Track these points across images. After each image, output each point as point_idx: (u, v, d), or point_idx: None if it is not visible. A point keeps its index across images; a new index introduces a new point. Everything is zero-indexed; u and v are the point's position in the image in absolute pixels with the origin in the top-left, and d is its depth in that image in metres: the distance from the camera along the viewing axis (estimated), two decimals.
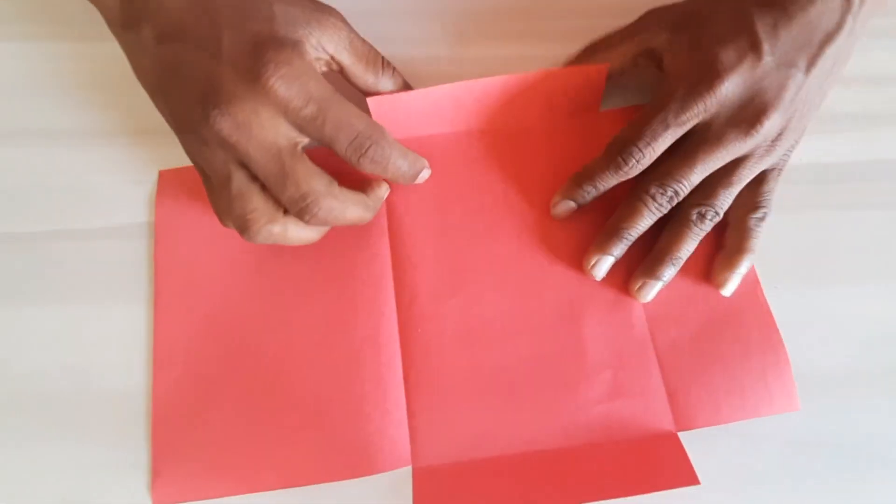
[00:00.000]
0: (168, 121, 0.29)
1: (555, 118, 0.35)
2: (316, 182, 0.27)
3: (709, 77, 0.28)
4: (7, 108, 0.36)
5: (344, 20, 0.30)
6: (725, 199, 0.31)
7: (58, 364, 0.31)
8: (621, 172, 0.30)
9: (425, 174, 0.32)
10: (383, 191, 0.33)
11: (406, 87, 0.33)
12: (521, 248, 0.33)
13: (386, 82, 0.31)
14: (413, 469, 0.29)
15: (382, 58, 0.31)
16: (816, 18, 0.29)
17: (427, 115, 0.34)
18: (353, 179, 0.32)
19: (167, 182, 0.35)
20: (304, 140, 0.27)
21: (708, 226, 0.31)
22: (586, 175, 0.32)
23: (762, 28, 0.28)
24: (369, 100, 0.32)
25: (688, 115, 0.29)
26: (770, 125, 0.29)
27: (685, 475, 0.28)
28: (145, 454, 0.30)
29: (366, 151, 0.28)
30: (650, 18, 0.33)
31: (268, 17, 0.27)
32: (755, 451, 0.30)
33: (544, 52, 0.37)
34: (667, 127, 0.29)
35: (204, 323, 0.32)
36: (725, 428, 0.30)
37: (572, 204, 0.32)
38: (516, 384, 0.31)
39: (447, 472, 0.29)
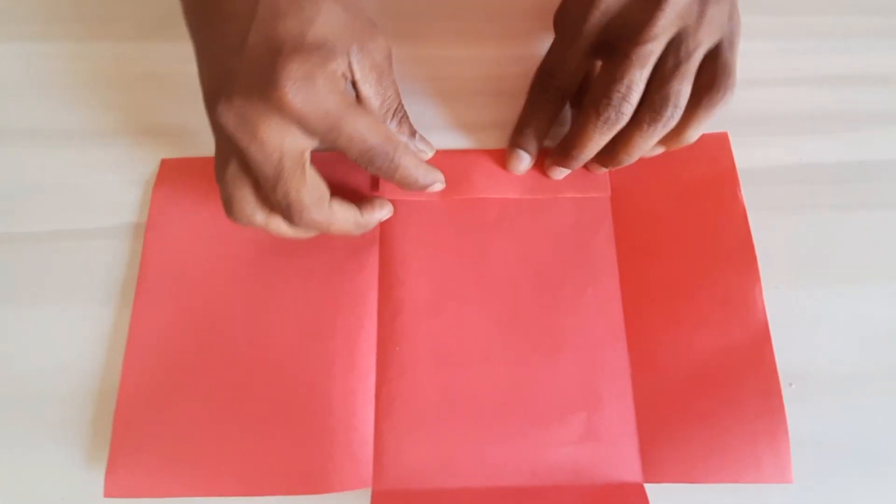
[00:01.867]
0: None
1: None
2: (306, 195, 0.27)
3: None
4: (7, 108, 0.36)
5: (387, 49, 0.29)
6: (681, 86, 0.29)
7: (58, 364, 0.31)
8: (548, 105, 0.33)
9: (437, 186, 0.32)
10: (384, 213, 0.32)
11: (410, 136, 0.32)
12: (509, 275, 0.32)
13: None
14: (372, 492, 0.29)
15: (400, 106, 0.30)
16: None
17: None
18: (362, 181, 0.33)
19: (168, 171, 0.35)
20: (314, 145, 0.27)
21: (668, 124, 0.29)
22: (522, 123, 0.34)
23: None
24: None
25: (587, 25, 0.30)
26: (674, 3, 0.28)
27: None
28: None
29: (374, 163, 0.28)
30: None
31: (309, 18, 0.26)
32: None
33: (544, 52, 0.37)
34: (571, 43, 0.31)
35: (181, 317, 0.31)
36: None
37: (526, 154, 0.34)
38: (488, 413, 0.30)
39: (407, 499, 0.28)
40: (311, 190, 0.27)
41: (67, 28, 0.38)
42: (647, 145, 0.30)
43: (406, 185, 0.30)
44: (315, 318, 0.31)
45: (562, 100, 0.33)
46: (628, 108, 0.29)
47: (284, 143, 0.26)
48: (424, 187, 0.31)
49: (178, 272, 0.32)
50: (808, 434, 0.30)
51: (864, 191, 0.35)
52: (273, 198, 0.27)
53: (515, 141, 0.34)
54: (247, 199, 0.28)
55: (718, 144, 0.34)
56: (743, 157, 0.34)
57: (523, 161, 0.34)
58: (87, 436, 0.30)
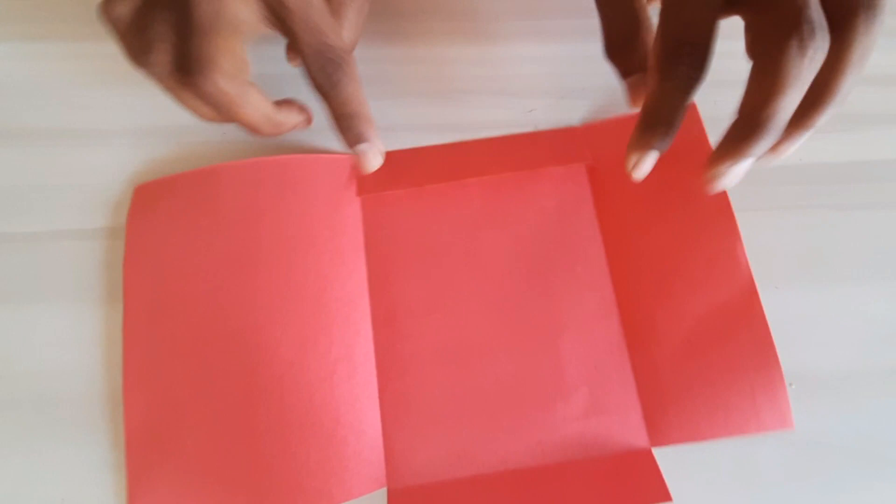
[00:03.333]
0: None
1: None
2: (223, 58, 0.25)
3: None
4: (7, 108, 0.36)
5: None
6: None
7: (58, 364, 0.31)
8: (683, 84, 0.24)
9: (368, 154, 0.29)
10: (300, 119, 0.31)
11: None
12: (498, 263, 0.33)
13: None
14: (388, 490, 0.29)
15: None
16: None
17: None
18: (342, 183, 0.32)
19: (142, 197, 0.34)
20: (259, 27, 0.26)
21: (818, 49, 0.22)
22: (651, 111, 0.25)
23: None
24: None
25: None
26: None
27: (657, 491, 0.28)
28: None
29: (328, 71, 0.26)
30: None
31: None
32: (755, 451, 0.30)
33: (541, 51, 0.37)
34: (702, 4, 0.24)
35: (173, 346, 0.31)
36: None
37: (656, 150, 0.26)
38: (493, 403, 0.30)
39: (423, 493, 0.29)
40: (230, 58, 0.26)
41: (67, 28, 0.38)
42: (812, 74, 0.23)
43: (342, 113, 0.27)
44: (310, 331, 0.31)
45: (702, 76, 0.24)
46: (822, 19, 0.22)
47: (230, 8, 0.25)
48: (357, 137, 0.28)
49: (161, 304, 0.31)
50: (808, 434, 0.30)
51: (864, 191, 0.35)
52: (189, 51, 0.25)
53: (641, 138, 0.26)
54: (164, 49, 0.26)
55: (689, 115, 0.34)
56: None
57: (652, 162, 0.26)
58: (88, 436, 0.30)
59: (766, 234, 0.33)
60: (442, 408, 0.30)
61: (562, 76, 0.37)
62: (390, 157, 0.33)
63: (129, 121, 0.36)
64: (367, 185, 0.34)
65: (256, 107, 0.28)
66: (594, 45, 0.37)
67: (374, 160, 0.29)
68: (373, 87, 0.36)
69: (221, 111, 0.27)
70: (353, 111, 0.27)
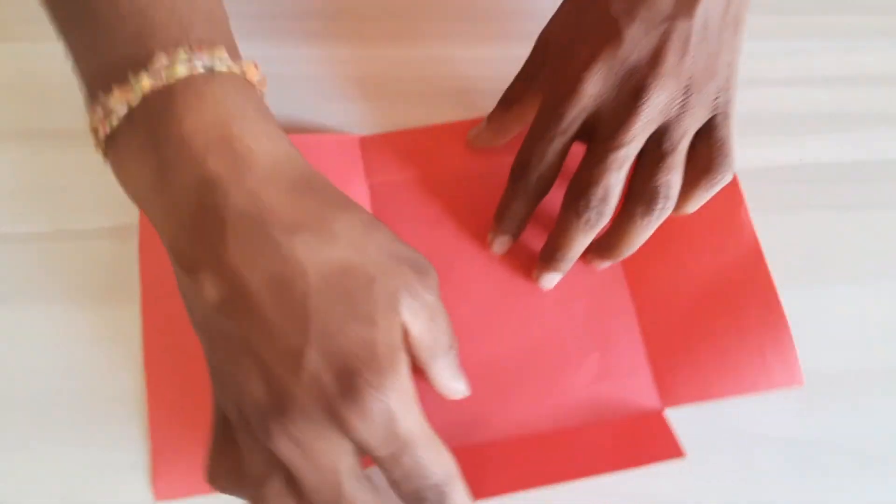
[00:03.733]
0: (215, 380, 0.24)
1: None
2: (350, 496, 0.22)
3: (569, 85, 0.27)
4: (7, 108, 0.36)
5: (436, 286, 0.25)
6: (669, 177, 0.27)
7: (58, 364, 0.31)
8: (528, 195, 0.30)
9: None
10: None
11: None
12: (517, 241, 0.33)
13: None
14: None
15: (454, 342, 0.26)
16: None
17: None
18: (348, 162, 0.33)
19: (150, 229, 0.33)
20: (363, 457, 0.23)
21: (662, 214, 0.28)
22: (502, 209, 0.31)
23: (617, 10, 0.26)
24: (361, 140, 0.34)
25: (564, 123, 0.27)
26: (658, 92, 0.26)
27: (669, 449, 0.28)
28: (145, 454, 0.30)
29: (424, 498, 0.22)
30: (538, 50, 0.31)
31: (369, 317, 0.21)
32: (755, 451, 0.30)
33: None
34: (551, 139, 0.28)
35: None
36: (724, 428, 0.30)
37: (507, 237, 0.32)
38: (505, 373, 0.31)
39: None
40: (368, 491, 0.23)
41: None
42: (646, 234, 0.29)
43: None
44: None
45: (543, 189, 0.30)
46: (608, 209, 0.28)
47: (340, 462, 0.22)
48: None
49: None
50: (808, 434, 0.30)
51: (864, 191, 0.35)
52: None
53: (495, 227, 0.32)
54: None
55: None
56: (743, 157, 0.35)
57: (503, 246, 0.32)
58: (88, 436, 0.30)
59: (766, 234, 0.33)
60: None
61: None
62: (397, 137, 0.34)
63: None
64: (374, 166, 0.34)
65: None
66: None
67: None
68: (373, 88, 0.36)
69: None
70: None
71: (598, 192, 0.27)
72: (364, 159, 0.34)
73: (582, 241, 0.29)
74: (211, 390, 0.24)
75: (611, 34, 0.26)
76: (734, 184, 0.33)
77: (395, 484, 0.22)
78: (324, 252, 0.21)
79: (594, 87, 0.27)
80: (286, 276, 0.21)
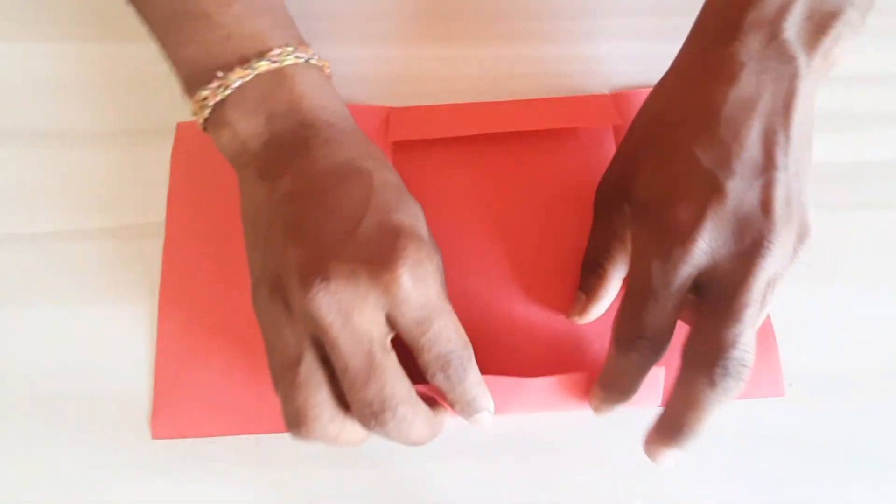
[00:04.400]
0: (254, 268, 0.27)
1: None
2: (400, 386, 0.24)
3: (680, 241, 0.25)
4: (7, 108, 0.36)
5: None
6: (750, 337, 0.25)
7: (58, 364, 0.31)
8: (644, 365, 0.26)
9: (486, 417, 0.27)
10: (446, 418, 0.28)
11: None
12: (522, 219, 0.33)
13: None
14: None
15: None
16: (759, 116, 0.26)
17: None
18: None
19: (185, 133, 0.35)
20: (393, 334, 0.25)
21: (738, 383, 0.24)
22: (612, 380, 0.28)
23: (710, 162, 0.26)
24: (390, 110, 0.35)
25: (677, 282, 0.25)
26: (776, 242, 0.24)
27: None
28: (145, 454, 0.30)
29: (448, 368, 0.25)
30: (602, 205, 0.31)
31: (415, 214, 0.27)
32: (755, 451, 0.30)
33: (539, 51, 0.37)
34: (665, 301, 0.25)
35: (212, 267, 0.33)
36: (723, 428, 0.30)
37: (614, 405, 0.28)
38: (508, 352, 0.31)
39: None
40: (403, 380, 0.25)
41: (67, 28, 0.38)
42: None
43: (465, 401, 0.26)
44: None
45: (658, 357, 0.26)
46: (746, 373, 0.24)
47: (373, 329, 0.24)
48: (474, 412, 0.27)
49: (203, 228, 0.33)
50: (808, 434, 0.30)
51: (864, 191, 0.35)
52: (363, 395, 0.24)
53: (603, 396, 0.28)
54: (324, 405, 0.24)
55: None
56: None
57: (611, 413, 0.28)
58: (88, 436, 0.30)
59: None
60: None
61: (562, 76, 0.37)
62: (423, 110, 0.35)
63: (129, 121, 0.36)
64: (398, 132, 0.35)
65: (425, 420, 0.26)
66: (595, 46, 0.37)
67: (487, 422, 0.27)
68: (373, 88, 0.37)
69: (391, 438, 0.25)
70: (473, 397, 0.26)
71: (737, 354, 0.24)
72: (388, 125, 0.35)
73: (716, 412, 0.25)
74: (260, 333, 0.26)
75: (714, 187, 0.25)
76: None
77: (420, 350, 0.25)
78: (385, 172, 0.27)
79: (707, 243, 0.25)
80: (353, 172, 0.26)
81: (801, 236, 0.26)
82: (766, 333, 0.32)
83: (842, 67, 0.37)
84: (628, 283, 0.28)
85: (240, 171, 0.29)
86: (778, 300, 0.32)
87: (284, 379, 0.25)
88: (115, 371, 0.31)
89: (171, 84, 0.37)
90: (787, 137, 0.26)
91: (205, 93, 0.28)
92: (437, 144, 0.35)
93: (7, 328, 0.32)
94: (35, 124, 0.36)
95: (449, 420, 0.28)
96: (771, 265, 0.25)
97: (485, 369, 0.28)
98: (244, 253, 0.31)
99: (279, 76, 0.28)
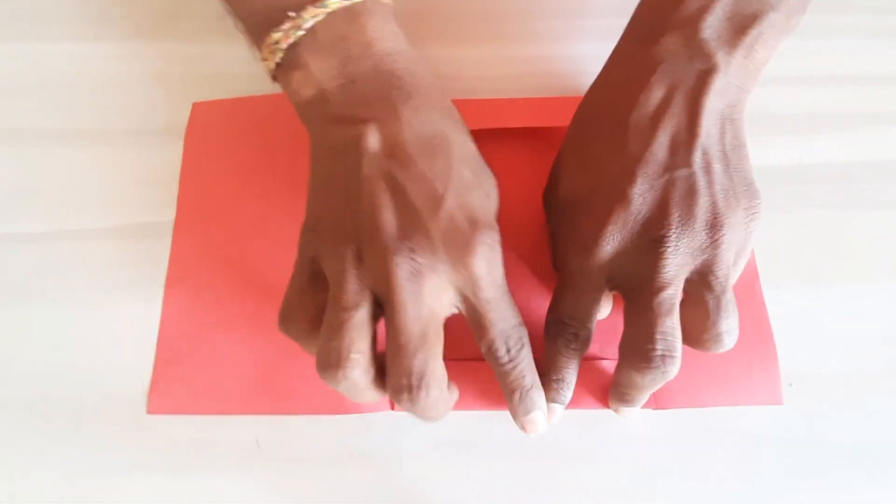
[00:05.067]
0: (316, 206, 0.28)
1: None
2: (441, 367, 0.26)
3: (585, 246, 0.28)
4: (7, 108, 0.36)
5: None
6: (729, 320, 0.27)
7: (58, 364, 0.31)
8: (570, 348, 0.29)
9: (540, 426, 0.28)
10: (456, 396, 0.29)
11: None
12: (517, 215, 0.33)
13: None
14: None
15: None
16: (666, 117, 0.27)
17: None
18: None
19: (199, 115, 0.36)
20: (456, 310, 0.27)
21: (663, 372, 0.26)
22: (548, 370, 0.29)
23: (616, 170, 0.27)
24: None
25: (590, 280, 0.28)
26: (674, 242, 0.26)
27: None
28: (145, 454, 0.30)
29: (509, 348, 0.27)
30: (544, 204, 0.33)
31: (487, 194, 0.28)
32: (754, 451, 0.30)
33: (538, 51, 0.37)
34: (581, 295, 0.28)
35: (220, 252, 0.33)
36: (724, 428, 0.30)
37: (560, 406, 0.29)
38: None
39: None
40: (441, 362, 0.26)
41: (67, 28, 0.38)
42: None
43: (516, 384, 0.27)
44: None
45: (585, 346, 0.29)
46: (676, 362, 0.26)
47: (436, 304, 0.26)
48: (531, 401, 0.28)
49: (214, 209, 0.34)
50: (808, 434, 0.30)
51: (864, 191, 0.35)
52: (404, 363, 0.25)
53: (547, 394, 0.29)
54: (365, 354, 0.25)
55: None
56: None
57: (554, 415, 0.29)
58: (88, 436, 0.30)
59: (766, 234, 0.33)
60: (455, 348, 0.30)
61: (562, 76, 0.37)
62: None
63: (129, 121, 0.36)
64: None
65: (447, 404, 0.27)
66: (595, 46, 0.37)
67: (541, 426, 0.28)
68: None
69: (416, 415, 0.26)
70: (528, 383, 0.28)
71: (659, 346, 0.26)
72: None
73: (653, 388, 0.28)
74: (299, 249, 0.28)
75: (618, 196, 0.27)
76: None
77: (487, 326, 0.26)
78: (463, 139, 0.28)
79: (612, 246, 0.27)
80: (438, 144, 0.27)
81: (749, 210, 0.27)
82: (765, 341, 0.32)
83: (842, 67, 0.38)
84: (557, 276, 0.30)
85: (312, 112, 0.28)
86: (779, 300, 0.32)
87: (335, 318, 0.25)
88: (115, 371, 0.31)
89: (171, 84, 0.37)
90: (694, 135, 0.27)
91: (277, 35, 0.27)
92: None
93: (7, 328, 0.32)
94: (35, 124, 0.36)
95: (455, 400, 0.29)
96: (675, 257, 0.26)
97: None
98: (254, 235, 0.32)
99: (350, 14, 0.28)
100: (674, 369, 0.26)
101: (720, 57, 0.27)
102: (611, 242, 0.27)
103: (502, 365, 0.27)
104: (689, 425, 0.30)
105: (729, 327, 0.26)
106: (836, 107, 0.37)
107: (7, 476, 0.30)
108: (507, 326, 0.27)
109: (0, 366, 0.31)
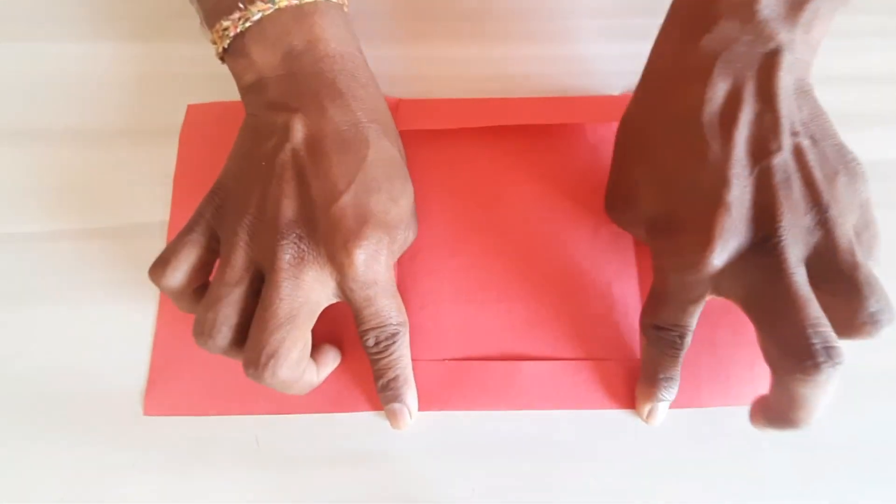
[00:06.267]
0: (228, 175, 0.29)
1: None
2: (297, 351, 0.26)
3: (692, 262, 0.26)
4: (8, 108, 0.36)
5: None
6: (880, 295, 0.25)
7: (58, 364, 0.31)
8: (669, 354, 0.28)
9: (402, 412, 0.30)
10: (333, 368, 0.31)
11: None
12: (525, 215, 0.34)
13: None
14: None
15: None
16: (741, 109, 0.26)
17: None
18: None
19: (194, 117, 0.36)
20: (335, 300, 0.28)
21: (833, 364, 0.24)
22: (650, 374, 0.29)
23: (705, 176, 0.26)
24: (399, 101, 0.35)
25: (695, 291, 0.27)
26: (786, 230, 0.25)
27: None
28: (145, 454, 0.30)
29: (378, 342, 0.28)
30: (616, 221, 0.32)
31: (395, 198, 0.28)
32: (754, 452, 0.30)
33: (541, 51, 0.37)
34: (685, 307, 0.27)
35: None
36: (724, 428, 0.30)
37: (662, 402, 0.29)
38: (508, 345, 0.31)
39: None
40: (301, 349, 0.27)
41: (67, 28, 0.38)
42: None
43: (388, 376, 0.29)
44: None
45: (686, 345, 0.28)
46: (840, 352, 0.24)
47: (312, 293, 0.27)
48: (395, 396, 0.29)
49: None
50: (808, 434, 0.30)
51: None
52: (261, 338, 0.26)
53: (649, 395, 0.29)
54: (232, 321, 0.26)
55: None
56: None
57: (663, 412, 0.30)
58: (88, 436, 0.30)
59: None
60: (456, 345, 0.31)
61: (562, 76, 0.37)
62: (434, 102, 0.35)
63: (129, 121, 0.36)
64: (407, 121, 0.35)
65: (306, 383, 0.28)
66: (594, 45, 0.37)
67: (402, 420, 0.30)
68: (385, 88, 0.36)
69: (280, 388, 0.27)
70: (392, 375, 0.29)
71: (808, 332, 0.24)
72: (400, 112, 0.35)
73: (824, 399, 0.25)
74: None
75: (715, 202, 0.25)
76: None
77: (362, 321, 0.28)
78: (385, 143, 0.29)
79: (718, 259, 0.25)
80: (354, 144, 0.28)
81: (849, 174, 0.26)
82: None
83: (842, 67, 0.38)
84: (652, 285, 0.29)
85: (249, 96, 0.30)
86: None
87: (217, 290, 0.27)
88: (115, 371, 0.31)
89: (171, 84, 0.37)
90: (776, 118, 0.26)
91: (226, 23, 0.28)
92: (445, 136, 0.35)
93: (7, 328, 0.32)
94: (35, 124, 0.36)
95: (332, 369, 0.30)
96: (794, 248, 0.25)
97: (485, 359, 0.30)
98: None
99: (299, 13, 0.29)
100: (841, 359, 0.23)
101: (783, 36, 0.26)
102: (719, 256, 0.25)
103: (371, 356, 0.29)
104: (689, 425, 0.30)
105: (879, 304, 0.24)
106: (837, 107, 0.36)
107: (7, 476, 0.30)
108: (382, 322, 0.28)
109: (0, 366, 0.31)
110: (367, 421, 0.31)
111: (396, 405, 0.30)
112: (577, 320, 0.32)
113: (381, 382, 0.29)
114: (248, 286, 0.27)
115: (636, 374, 0.31)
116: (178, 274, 0.27)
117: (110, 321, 0.32)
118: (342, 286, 0.27)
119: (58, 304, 0.32)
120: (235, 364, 0.30)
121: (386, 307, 0.28)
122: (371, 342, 0.28)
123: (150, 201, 0.34)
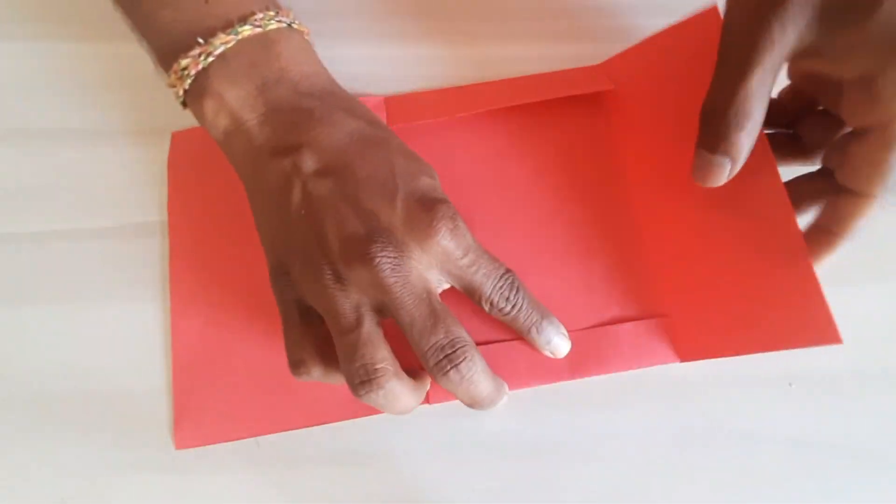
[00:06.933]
0: (275, 246, 0.28)
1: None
2: (462, 330, 0.26)
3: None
4: (8, 108, 0.36)
5: None
6: None
7: (58, 364, 0.31)
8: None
9: (561, 342, 0.30)
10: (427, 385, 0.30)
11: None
12: (523, 193, 0.34)
13: None
14: None
15: None
16: None
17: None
18: None
19: (180, 143, 0.35)
20: (446, 285, 0.28)
21: None
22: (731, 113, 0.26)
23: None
24: (385, 99, 0.35)
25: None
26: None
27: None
28: (145, 454, 0.30)
29: (507, 297, 0.28)
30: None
31: (431, 174, 0.29)
32: (755, 451, 0.30)
33: (544, 51, 0.37)
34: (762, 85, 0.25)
35: (219, 274, 0.33)
36: (724, 428, 0.30)
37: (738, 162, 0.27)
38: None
39: None
40: (461, 325, 0.27)
41: (67, 28, 0.38)
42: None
43: (528, 322, 0.29)
44: None
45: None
46: None
47: (428, 283, 0.27)
48: (538, 325, 0.29)
49: (207, 235, 0.33)
50: (808, 434, 0.30)
51: None
52: (431, 341, 0.25)
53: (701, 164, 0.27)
54: (389, 361, 0.26)
55: (711, 21, 0.31)
56: None
57: (726, 170, 0.27)
58: (88, 436, 0.30)
59: None
60: (475, 330, 0.31)
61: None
62: (419, 95, 0.36)
63: (129, 121, 0.36)
64: (396, 118, 0.35)
65: (414, 394, 0.27)
66: (593, 45, 0.37)
67: (564, 347, 0.30)
68: (373, 87, 0.37)
69: (460, 389, 0.27)
70: (538, 317, 0.29)
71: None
72: (387, 110, 0.35)
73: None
74: (275, 293, 0.28)
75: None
76: (762, 139, 0.28)
77: (479, 287, 0.27)
78: (391, 136, 0.29)
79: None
80: (370, 145, 0.27)
81: None
82: (801, 268, 0.27)
83: None
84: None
85: (235, 146, 0.28)
86: None
87: (345, 344, 0.26)
88: (115, 371, 0.31)
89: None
90: None
91: (185, 61, 0.27)
92: (435, 128, 0.35)
93: (7, 328, 0.32)
94: (35, 124, 0.36)
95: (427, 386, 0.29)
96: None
97: (505, 341, 0.30)
98: (251, 254, 0.31)
99: (264, 41, 0.27)
100: None
101: None
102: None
103: (508, 314, 0.28)
104: (689, 425, 0.31)
105: None
106: None
107: (7, 476, 0.30)
108: (495, 279, 0.28)
109: (0, 366, 0.31)
110: (367, 421, 0.31)
111: (555, 340, 0.29)
112: (589, 289, 0.32)
113: (533, 330, 0.29)
114: (371, 321, 0.26)
115: (655, 332, 0.31)
116: (318, 365, 0.27)
117: (111, 321, 0.32)
118: (445, 268, 0.27)
119: (57, 304, 0.32)
120: (257, 384, 0.30)
121: (489, 262, 0.28)
122: (502, 302, 0.28)
123: (150, 201, 0.34)
